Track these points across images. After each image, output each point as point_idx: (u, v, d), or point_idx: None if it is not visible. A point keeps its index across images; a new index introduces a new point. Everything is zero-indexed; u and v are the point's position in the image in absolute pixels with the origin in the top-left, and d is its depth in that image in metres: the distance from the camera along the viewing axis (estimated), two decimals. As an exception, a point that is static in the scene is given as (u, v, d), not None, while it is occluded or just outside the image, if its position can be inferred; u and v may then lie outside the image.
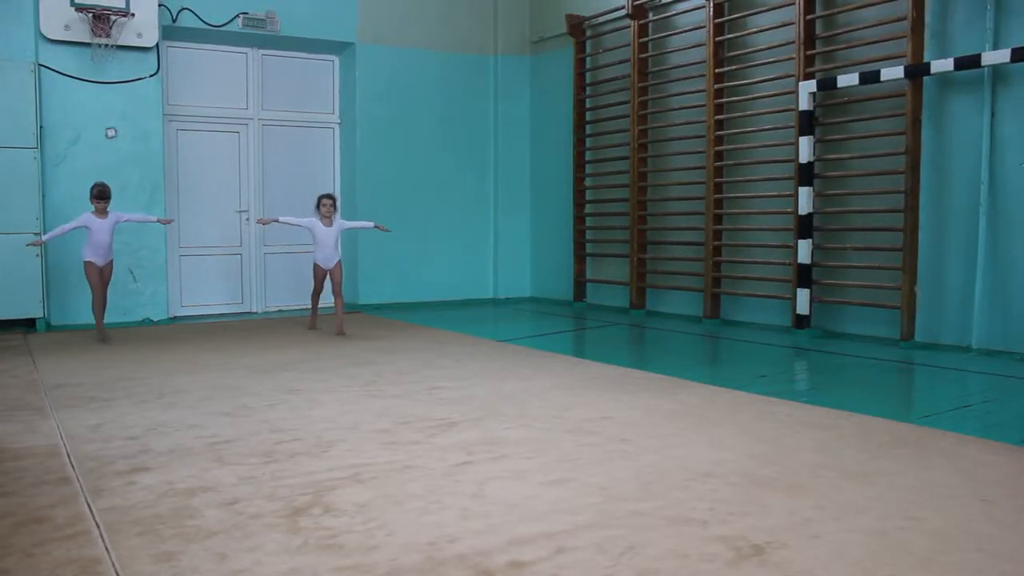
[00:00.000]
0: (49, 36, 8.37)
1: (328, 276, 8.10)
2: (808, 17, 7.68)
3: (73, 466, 3.69)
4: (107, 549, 2.74)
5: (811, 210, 7.63)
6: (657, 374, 5.85)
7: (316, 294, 8.37)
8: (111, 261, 7.63)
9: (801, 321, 7.78)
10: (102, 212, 7.47)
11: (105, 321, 8.57)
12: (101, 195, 7.44)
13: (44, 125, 8.41)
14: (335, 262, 8.12)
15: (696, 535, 2.83)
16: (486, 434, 4.21)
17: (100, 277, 7.55)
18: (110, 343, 7.45)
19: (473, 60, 10.98)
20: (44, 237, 7.46)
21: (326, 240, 8.04)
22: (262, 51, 10.07)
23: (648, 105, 9.50)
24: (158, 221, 8.10)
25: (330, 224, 8.08)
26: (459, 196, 10.96)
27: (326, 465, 3.68)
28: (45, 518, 3.02)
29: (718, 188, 8.65)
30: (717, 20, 8.50)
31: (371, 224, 8.52)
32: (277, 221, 8.19)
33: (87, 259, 7.49)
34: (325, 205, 8.09)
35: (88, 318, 8.60)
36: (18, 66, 8.22)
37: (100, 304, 7.63)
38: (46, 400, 5.09)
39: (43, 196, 8.36)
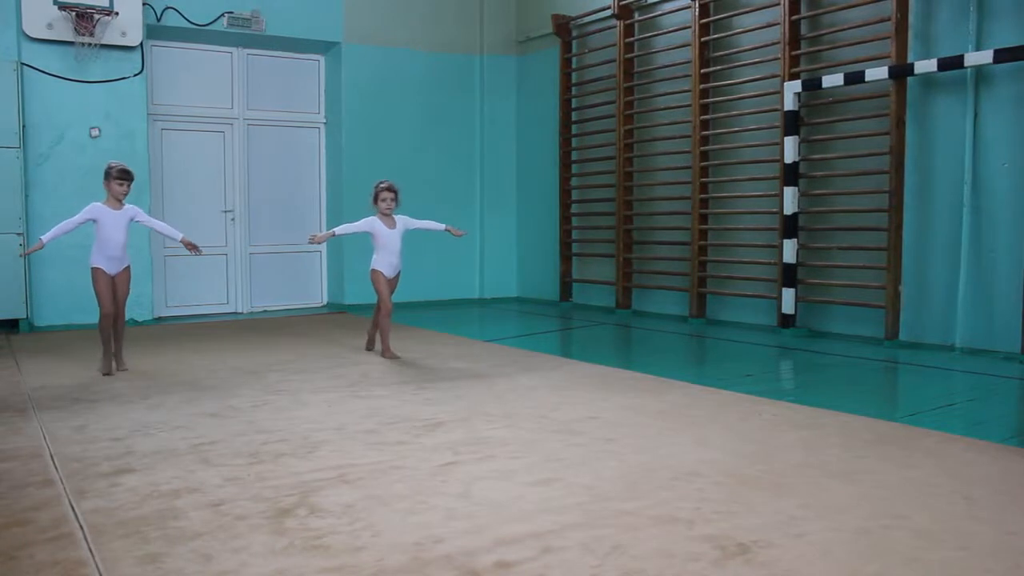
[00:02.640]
0: (32, 35, 8.30)
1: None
2: (793, 18, 7.71)
3: (56, 468, 3.66)
4: (91, 551, 2.72)
5: (796, 210, 7.66)
6: (643, 374, 5.86)
7: (387, 313, 6.63)
8: (127, 268, 6.00)
9: (786, 320, 7.81)
10: (117, 202, 5.88)
11: (89, 322, 8.55)
12: (124, 175, 5.84)
13: (27, 124, 8.35)
14: (399, 270, 6.74)
15: (682, 534, 2.84)
16: (472, 434, 4.21)
17: (112, 289, 5.92)
18: (116, 373, 5.90)
19: (459, 60, 10.97)
20: (44, 238, 5.77)
21: (392, 244, 6.59)
22: (247, 51, 10.03)
23: (634, 105, 9.52)
24: (182, 242, 6.06)
25: (393, 224, 6.63)
26: (445, 196, 10.93)
27: (312, 466, 3.67)
28: (28, 520, 3.00)
29: (704, 188, 8.67)
30: (703, 20, 8.52)
31: (442, 226, 6.98)
32: (334, 235, 6.69)
33: (94, 264, 5.87)
34: (386, 199, 6.54)
35: (72, 318, 8.56)
36: (0, 65, 8.15)
37: (110, 324, 5.93)
38: (29, 401, 5.05)
39: (26, 196, 8.29)
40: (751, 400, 4.96)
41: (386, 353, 6.62)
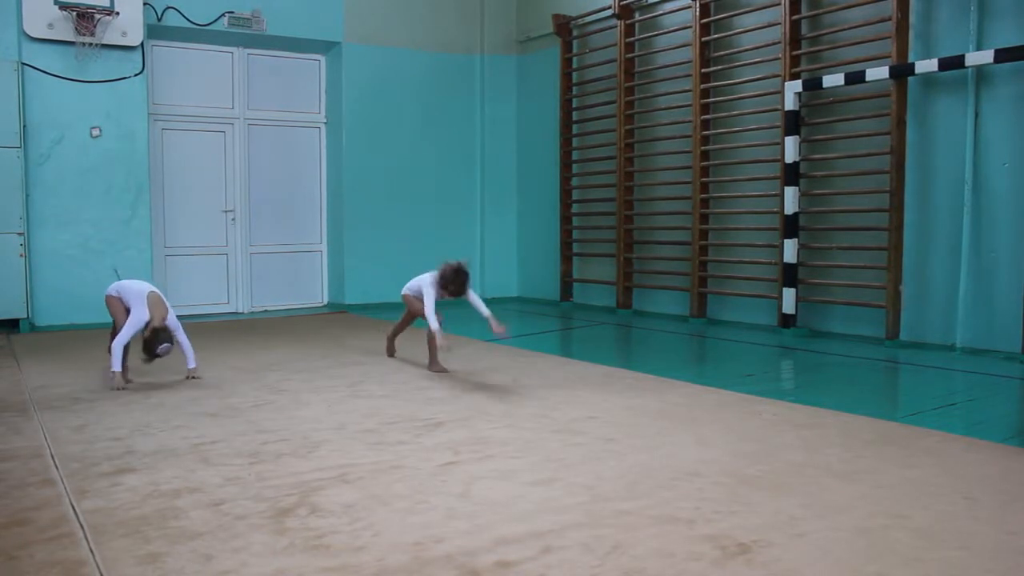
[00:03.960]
0: (32, 35, 8.30)
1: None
2: (794, 17, 7.71)
3: (57, 467, 3.66)
4: (91, 551, 2.72)
5: (797, 210, 7.65)
6: (643, 373, 5.86)
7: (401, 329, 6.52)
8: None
9: (787, 320, 7.80)
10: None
11: (90, 321, 8.57)
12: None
13: (27, 124, 8.34)
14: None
15: (682, 534, 2.84)
16: (473, 434, 4.21)
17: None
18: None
19: (460, 60, 10.97)
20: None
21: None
22: (248, 50, 10.02)
23: (634, 105, 9.51)
24: (190, 369, 5.85)
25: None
26: (446, 196, 10.95)
27: (312, 466, 3.67)
28: (29, 520, 3.00)
29: (704, 188, 8.67)
30: (703, 20, 8.52)
31: (487, 313, 5.89)
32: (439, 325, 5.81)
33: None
34: (454, 295, 5.98)
35: (73, 318, 8.57)
36: (1, 65, 8.16)
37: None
38: (29, 401, 5.05)
39: (26, 196, 8.30)
40: (751, 400, 4.96)
41: (433, 366, 6.12)
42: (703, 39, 8.55)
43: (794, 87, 7.57)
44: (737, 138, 8.41)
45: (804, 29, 7.78)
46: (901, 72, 6.81)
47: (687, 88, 8.73)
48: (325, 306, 10.62)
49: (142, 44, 8.86)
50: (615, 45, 9.58)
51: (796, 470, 3.56)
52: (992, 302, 6.54)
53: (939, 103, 6.82)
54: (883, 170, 7.05)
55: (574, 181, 10.47)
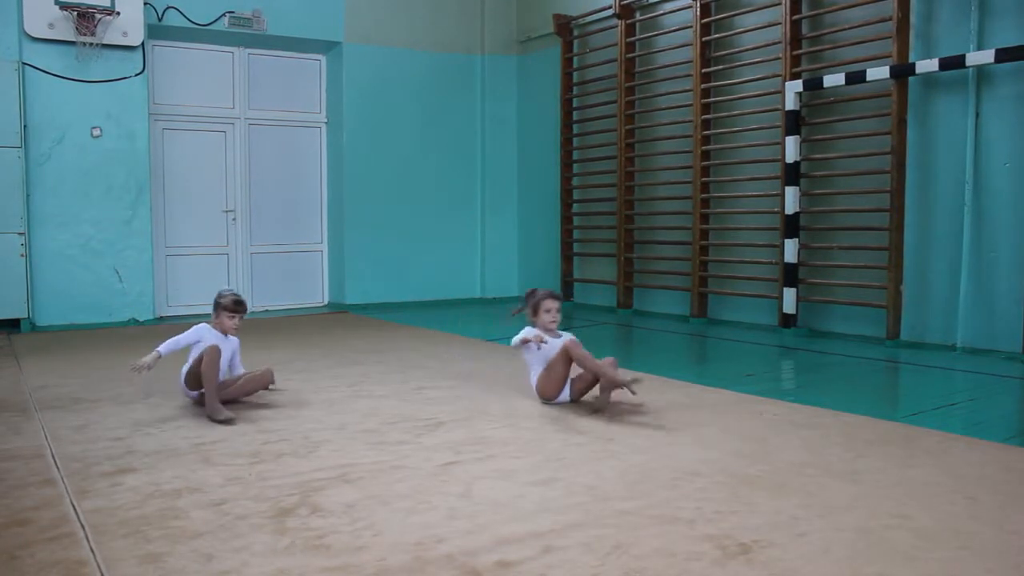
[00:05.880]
0: (33, 34, 8.30)
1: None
2: (794, 17, 7.71)
3: (58, 467, 3.66)
4: (92, 551, 2.72)
5: (797, 209, 7.65)
6: (644, 373, 5.84)
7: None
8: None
9: (788, 320, 7.80)
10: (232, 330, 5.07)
11: (90, 321, 8.59)
12: (237, 307, 5.08)
13: (28, 124, 8.35)
14: None
15: (683, 534, 2.84)
16: (473, 434, 4.21)
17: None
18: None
19: (460, 60, 10.97)
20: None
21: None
22: (249, 50, 10.03)
23: (635, 105, 9.51)
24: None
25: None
26: (446, 196, 10.95)
27: (313, 465, 3.67)
28: (29, 520, 3.00)
29: (705, 188, 8.67)
30: (704, 20, 8.52)
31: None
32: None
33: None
34: (551, 311, 4.92)
35: (74, 317, 8.59)
36: (1, 65, 8.16)
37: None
38: (30, 401, 5.06)
39: (27, 196, 8.30)
40: (752, 400, 4.96)
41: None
42: (703, 39, 8.55)
43: (795, 87, 7.57)
44: (737, 138, 8.41)
45: (805, 29, 7.79)
46: (902, 72, 6.81)
47: (687, 88, 8.73)
48: (326, 306, 10.62)
49: (143, 44, 8.86)
50: (615, 45, 9.58)
51: (796, 470, 3.56)
52: (992, 302, 6.54)
53: (940, 103, 6.83)
54: (884, 170, 7.05)
55: (574, 181, 10.47)
